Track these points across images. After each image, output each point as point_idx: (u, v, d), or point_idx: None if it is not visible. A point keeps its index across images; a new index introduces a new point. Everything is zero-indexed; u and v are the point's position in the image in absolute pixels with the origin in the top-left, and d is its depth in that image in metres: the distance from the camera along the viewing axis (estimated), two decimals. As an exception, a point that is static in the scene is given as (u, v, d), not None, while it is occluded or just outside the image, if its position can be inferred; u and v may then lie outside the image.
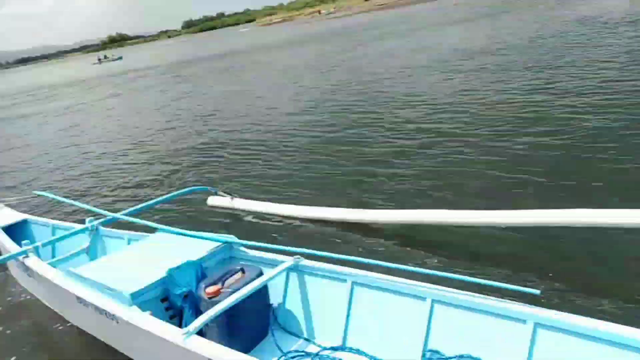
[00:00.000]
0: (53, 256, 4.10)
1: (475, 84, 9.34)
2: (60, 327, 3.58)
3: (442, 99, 8.56)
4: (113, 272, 2.98)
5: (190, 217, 5.21)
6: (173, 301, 2.79)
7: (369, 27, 32.35)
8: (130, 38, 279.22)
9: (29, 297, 4.10)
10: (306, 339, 2.84)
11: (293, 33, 45.37)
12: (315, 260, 2.89)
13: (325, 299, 2.84)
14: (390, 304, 2.61)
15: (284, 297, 3.01)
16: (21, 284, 4.25)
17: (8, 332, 3.75)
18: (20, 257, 3.58)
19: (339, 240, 4.11)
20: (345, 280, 2.77)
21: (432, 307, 2.45)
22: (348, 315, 2.72)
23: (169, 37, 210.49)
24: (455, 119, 7.15)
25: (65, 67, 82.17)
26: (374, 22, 37.26)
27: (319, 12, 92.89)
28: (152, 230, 3.74)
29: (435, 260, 3.51)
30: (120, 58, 66.93)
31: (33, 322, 3.85)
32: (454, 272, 2.43)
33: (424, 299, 2.48)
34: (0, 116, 20.89)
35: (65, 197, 4.96)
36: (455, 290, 2.40)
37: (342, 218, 4.35)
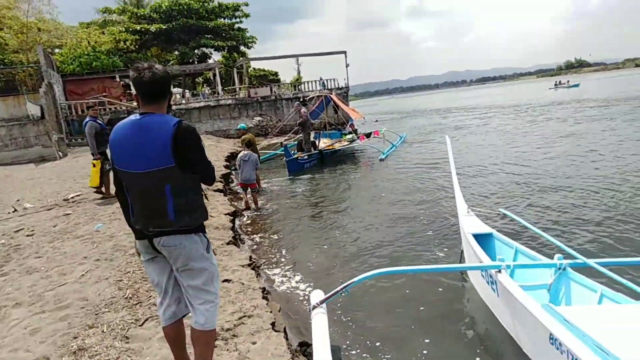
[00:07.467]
0: (511, 278, 3.96)
1: None
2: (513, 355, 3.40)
3: None
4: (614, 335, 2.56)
5: None
6: None
7: None
8: (590, 65, 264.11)
9: (484, 309, 4.16)
10: None
11: None
12: None
13: None
14: None
15: None
16: (479, 292, 4.43)
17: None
18: (493, 270, 3.74)
19: None
20: None
21: None
22: None
23: (637, 65, 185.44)
24: None
25: (517, 90, 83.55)
26: None
27: None
28: (635, 295, 3.18)
29: None
30: (577, 85, 64.20)
31: (483, 335, 3.88)
32: None
33: None
34: (454, 124, 23.06)
35: (530, 223, 4.90)
36: None
37: None
